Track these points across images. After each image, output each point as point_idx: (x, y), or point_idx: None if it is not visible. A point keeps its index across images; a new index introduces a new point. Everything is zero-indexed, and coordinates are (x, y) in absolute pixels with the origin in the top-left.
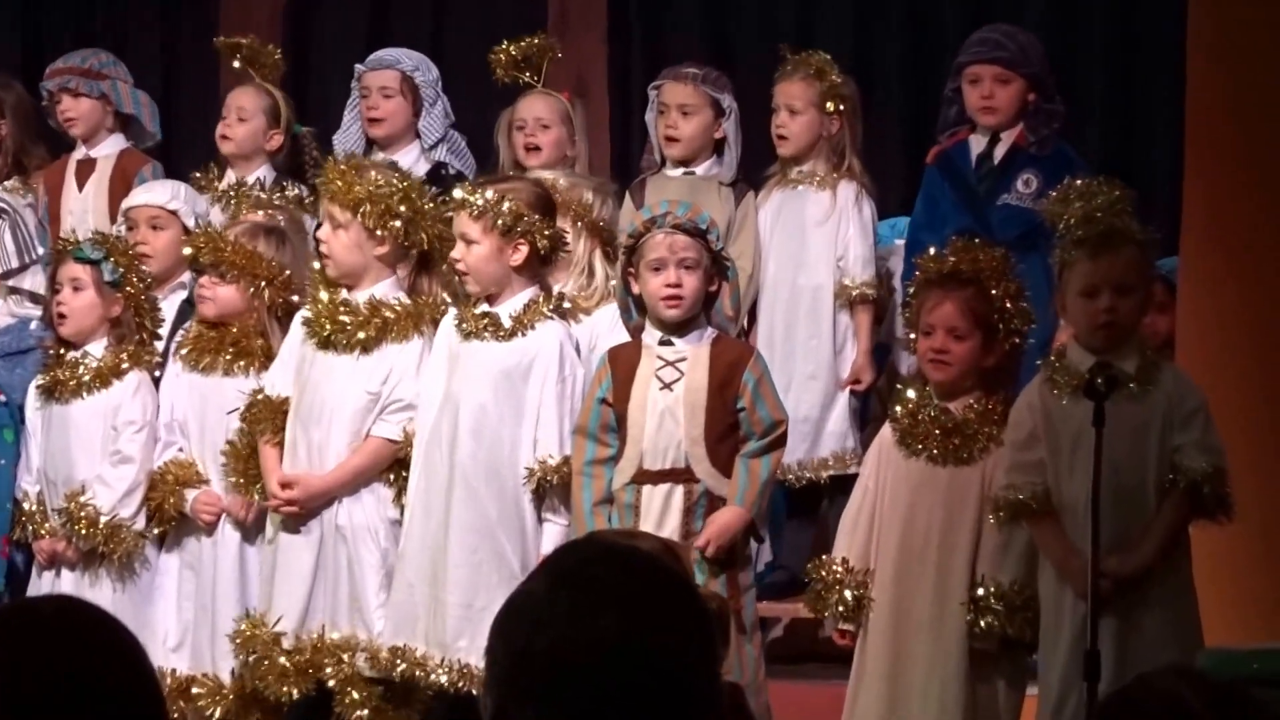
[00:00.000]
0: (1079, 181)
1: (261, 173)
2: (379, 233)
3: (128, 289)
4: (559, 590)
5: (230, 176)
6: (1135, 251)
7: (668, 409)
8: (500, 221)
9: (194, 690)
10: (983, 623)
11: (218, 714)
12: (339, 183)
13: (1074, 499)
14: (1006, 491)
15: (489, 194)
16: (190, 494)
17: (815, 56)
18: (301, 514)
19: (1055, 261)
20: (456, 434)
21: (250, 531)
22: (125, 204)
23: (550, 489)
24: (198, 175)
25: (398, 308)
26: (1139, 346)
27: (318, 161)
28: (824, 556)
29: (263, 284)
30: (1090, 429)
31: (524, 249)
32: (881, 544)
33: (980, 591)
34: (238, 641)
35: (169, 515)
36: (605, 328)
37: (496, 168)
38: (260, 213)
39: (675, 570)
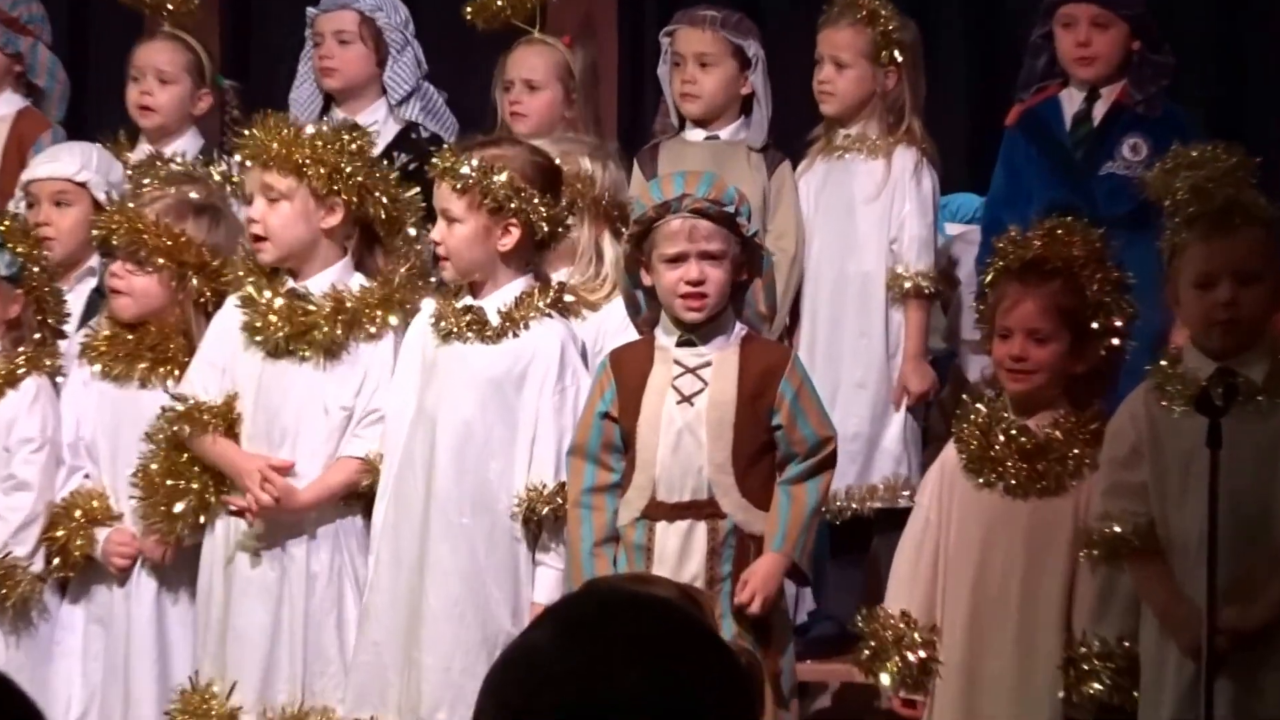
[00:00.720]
0: (1190, 148)
1: (183, 144)
2: (329, 200)
3: (28, 283)
4: (569, 642)
5: (144, 149)
6: (1260, 232)
7: (687, 427)
8: (490, 197)
9: None
10: (1084, 689)
11: None
12: (275, 144)
13: (1184, 534)
14: (1102, 523)
15: (475, 162)
16: (101, 533)
17: (868, 4)
18: (264, 546)
19: (1164, 245)
20: (434, 458)
21: (171, 578)
22: (25, 176)
23: (545, 523)
24: (102, 143)
25: (362, 295)
26: (1270, 349)
27: (237, 121)
28: (878, 608)
29: (190, 274)
30: (1205, 449)
31: (515, 231)
32: (949, 594)
33: (1081, 650)
34: (188, 709)
35: (73, 558)
36: (615, 326)
37: (495, 128)
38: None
39: (705, 621)
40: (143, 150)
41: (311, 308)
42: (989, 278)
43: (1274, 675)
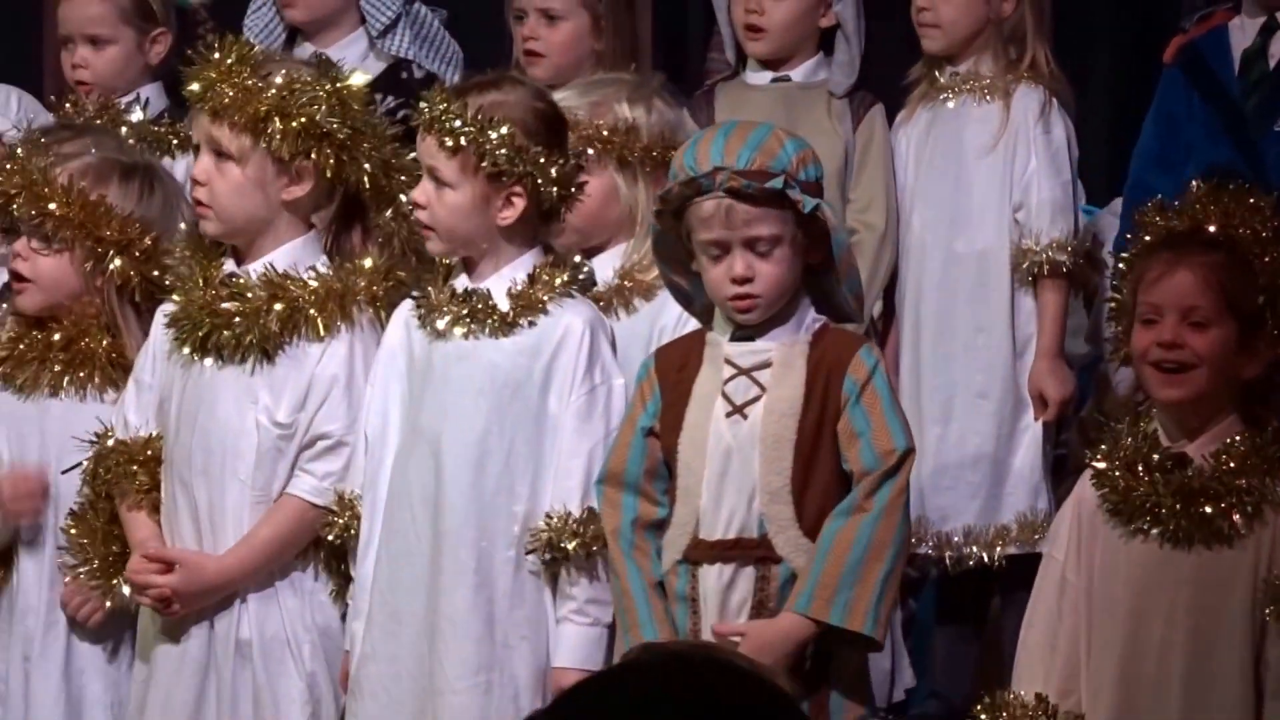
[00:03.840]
0: None
1: (146, 92)
2: (294, 164)
3: None
4: None
5: (95, 96)
6: None
7: (737, 446)
8: (488, 159)
9: None
10: None
11: None
12: (229, 89)
13: None
14: None
15: (469, 114)
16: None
17: None
18: (183, 614)
19: None
20: (440, 489)
21: (85, 645)
22: None
23: (566, 563)
24: (54, 103)
25: (312, 283)
26: None
27: (211, 47)
28: (1003, 693)
29: (111, 252)
30: None
31: (519, 202)
32: (1095, 667)
33: None
34: None
35: None
36: (675, 318)
37: (509, 64)
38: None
39: (789, 695)
40: (93, 99)
41: (237, 299)
42: (1130, 257)
43: None
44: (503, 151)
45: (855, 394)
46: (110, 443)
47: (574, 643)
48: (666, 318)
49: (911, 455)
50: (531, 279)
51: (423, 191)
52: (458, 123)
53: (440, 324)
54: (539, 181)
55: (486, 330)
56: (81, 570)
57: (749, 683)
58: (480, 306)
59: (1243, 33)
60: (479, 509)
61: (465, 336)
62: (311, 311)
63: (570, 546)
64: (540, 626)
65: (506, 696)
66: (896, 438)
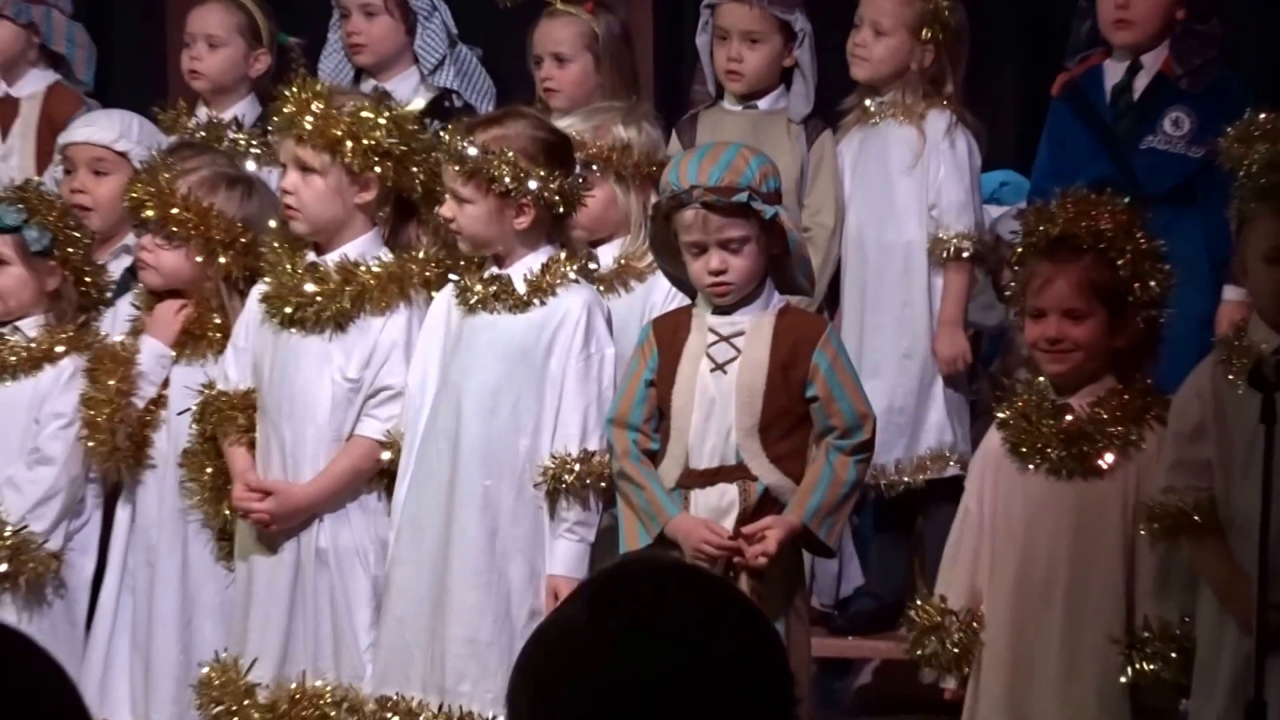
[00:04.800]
0: (1264, 116)
1: (241, 108)
2: (363, 176)
3: (63, 254)
4: (603, 617)
5: (202, 114)
6: None
7: (718, 395)
8: (496, 182)
9: None
10: (1146, 667)
11: None
12: (308, 118)
13: (1245, 512)
14: (1164, 496)
15: (475, 148)
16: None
17: None
18: (276, 532)
19: (1233, 215)
20: (460, 429)
21: (198, 553)
22: (62, 139)
23: (564, 492)
24: (159, 110)
25: (377, 269)
26: None
27: (301, 78)
28: (920, 596)
29: (219, 249)
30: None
31: (530, 211)
32: (994, 579)
33: (1143, 636)
34: (207, 692)
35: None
36: (663, 295)
37: (534, 97)
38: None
39: (742, 593)
40: (202, 115)
41: (317, 283)
42: (1017, 254)
43: None
44: (507, 175)
45: (829, 366)
46: (214, 392)
47: (566, 555)
48: (656, 295)
49: (874, 418)
50: (545, 268)
51: (449, 207)
52: (471, 152)
53: (471, 301)
54: (544, 195)
55: (506, 308)
56: (201, 505)
57: (709, 581)
58: (502, 289)
59: (1113, 71)
60: (488, 447)
61: (490, 312)
62: (376, 292)
63: (569, 480)
64: (533, 543)
65: (501, 595)
66: (866, 404)
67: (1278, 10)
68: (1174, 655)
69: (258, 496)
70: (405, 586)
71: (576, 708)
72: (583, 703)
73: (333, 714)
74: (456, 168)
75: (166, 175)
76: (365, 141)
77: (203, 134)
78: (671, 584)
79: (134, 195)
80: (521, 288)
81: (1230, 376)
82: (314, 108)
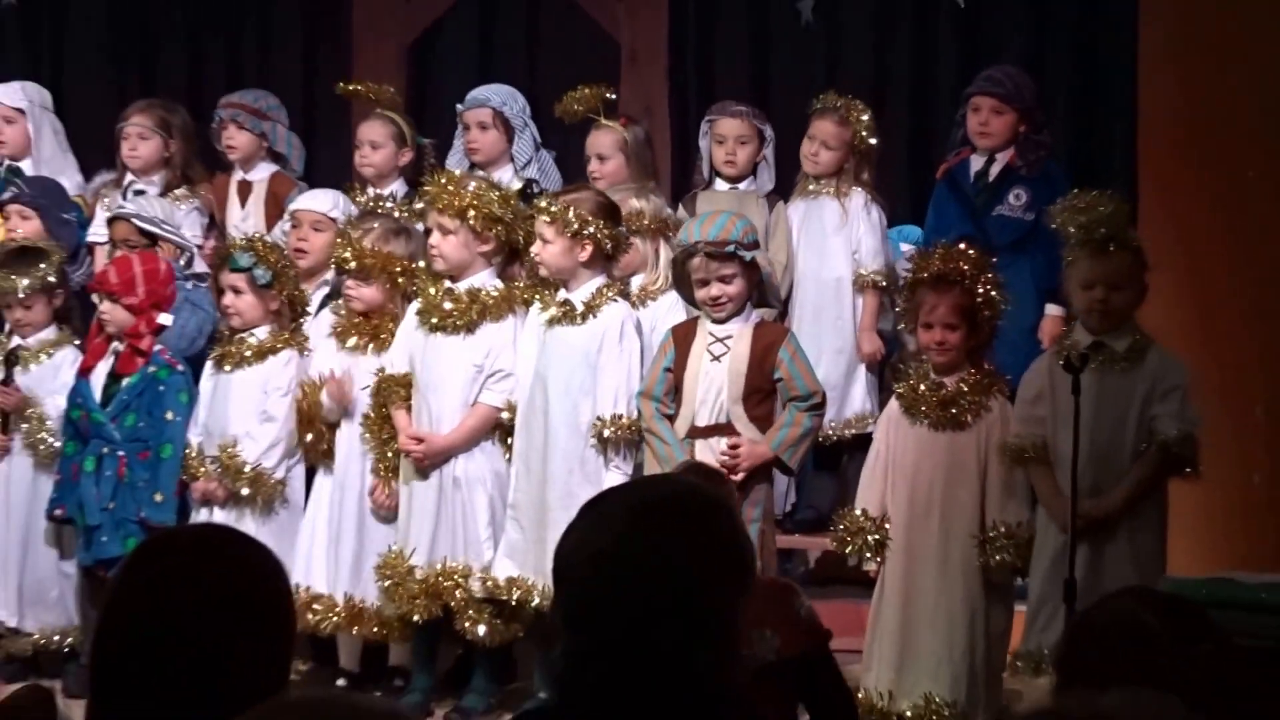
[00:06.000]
0: (1085, 194)
1: (395, 187)
2: (483, 234)
3: (281, 286)
4: (590, 510)
5: (370, 191)
6: (1129, 256)
7: (715, 378)
8: (568, 226)
9: (314, 606)
10: (995, 559)
11: (328, 628)
12: (445, 196)
13: (1065, 452)
14: (1014, 439)
15: (558, 204)
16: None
17: (848, 102)
18: (426, 465)
19: (1065, 258)
20: (548, 403)
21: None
22: (294, 205)
23: (608, 442)
24: (345, 189)
25: (494, 294)
26: (1132, 330)
27: (434, 168)
28: (847, 508)
29: (398, 278)
30: (1076, 395)
31: (590, 247)
32: (893, 497)
33: (992, 534)
34: (382, 571)
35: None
36: (664, 310)
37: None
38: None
39: (717, 495)
40: (369, 192)
41: (454, 303)
42: (909, 285)
43: (1113, 545)
44: (576, 221)
45: (789, 358)
46: (385, 374)
47: (613, 482)
48: (661, 309)
49: (823, 394)
50: (597, 292)
51: (537, 246)
52: (554, 209)
53: (552, 319)
54: (599, 237)
55: (571, 322)
56: (374, 442)
57: (705, 491)
58: (569, 310)
59: (976, 163)
60: (563, 413)
61: (561, 325)
62: (492, 309)
63: (608, 434)
64: (593, 477)
65: (576, 506)
66: (816, 382)
67: (1086, 121)
68: (1014, 548)
69: (415, 442)
70: (522, 506)
71: (621, 569)
72: (624, 567)
73: (462, 582)
74: (545, 218)
75: (355, 233)
76: (483, 211)
77: (371, 204)
78: (651, 488)
79: (341, 251)
80: (580, 306)
81: (1060, 362)
82: (448, 188)
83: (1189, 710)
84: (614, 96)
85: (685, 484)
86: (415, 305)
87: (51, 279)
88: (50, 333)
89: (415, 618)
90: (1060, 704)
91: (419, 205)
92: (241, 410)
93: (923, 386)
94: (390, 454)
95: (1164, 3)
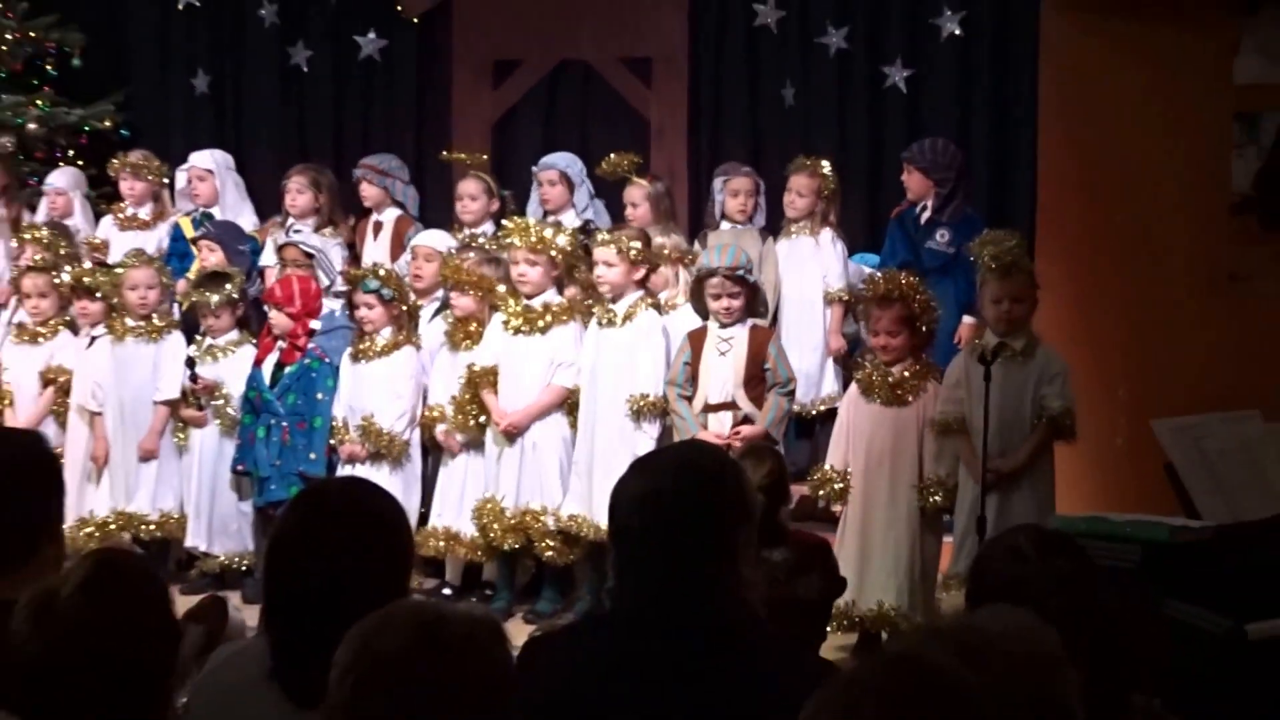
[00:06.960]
0: (992, 231)
1: (486, 227)
2: (555, 262)
3: (400, 302)
4: (630, 468)
5: (465, 232)
6: (1026, 277)
7: (722, 368)
8: (632, 254)
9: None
10: (930, 501)
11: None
12: (525, 237)
13: (978, 424)
14: (940, 415)
15: (623, 238)
16: (439, 427)
17: (815, 161)
18: (511, 433)
19: (979, 278)
20: (598, 389)
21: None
22: (414, 241)
23: (643, 414)
24: (449, 228)
25: (559, 305)
26: (1027, 333)
27: (513, 214)
28: (819, 464)
29: (489, 294)
30: (986, 381)
31: (642, 270)
32: (853, 457)
33: (928, 483)
34: (479, 515)
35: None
36: (682, 319)
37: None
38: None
39: (727, 456)
40: (466, 231)
41: (534, 312)
42: (864, 301)
43: (1017, 493)
44: (633, 251)
45: (775, 353)
46: (477, 367)
47: (644, 444)
48: (678, 320)
49: (795, 381)
50: (635, 303)
51: (599, 270)
52: (621, 243)
53: (602, 322)
54: (646, 265)
55: (616, 325)
56: (459, 418)
57: (716, 452)
58: (616, 315)
59: (917, 208)
60: (612, 393)
61: (609, 328)
62: (560, 317)
63: (640, 408)
64: (628, 440)
65: (621, 464)
66: (792, 372)
67: (999, 174)
68: (944, 494)
69: (502, 415)
70: (583, 462)
71: (664, 507)
72: (666, 505)
73: (541, 518)
74: (614, 249)
75: (458, 261)
76: (556, 245)
77: (468, 240)
78: (706, 450)
79: (445, 273)
80: (622, 314)
81: (973, 356)
82: (530, 231)
83: (1041, 619)
84: (642, 161)
85: (709, 447)
86: (499, 315)
87: (234, 295)
88: (233, 335)
89: (505, 546)
90: (944, 622)
91: (505, 240)
92: (375, 391)
93: (876, 374)
94: (472, 423)
95: (1054, 77)
